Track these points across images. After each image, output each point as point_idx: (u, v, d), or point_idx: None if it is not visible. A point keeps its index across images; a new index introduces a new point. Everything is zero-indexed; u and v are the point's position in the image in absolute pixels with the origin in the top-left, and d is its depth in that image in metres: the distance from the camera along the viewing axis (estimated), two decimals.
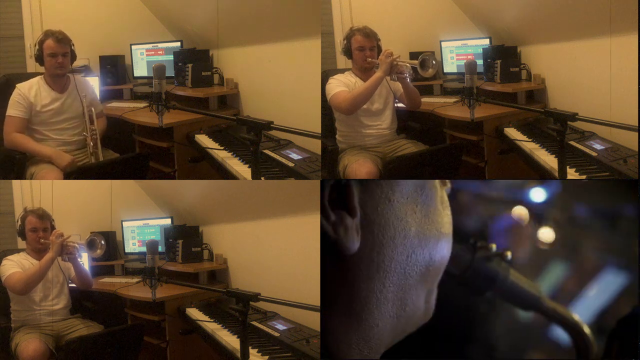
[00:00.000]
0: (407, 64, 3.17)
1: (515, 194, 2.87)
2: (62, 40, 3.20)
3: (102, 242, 3.26)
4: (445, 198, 1.01)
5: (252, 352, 2.96)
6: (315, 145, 3.32)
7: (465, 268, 1.12)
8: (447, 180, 1.03)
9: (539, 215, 2.84)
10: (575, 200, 2.87)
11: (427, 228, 0.95)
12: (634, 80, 3.01)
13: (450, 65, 4.03)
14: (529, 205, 2.83)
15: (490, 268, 1.14)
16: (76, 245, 3.21)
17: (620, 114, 3.09)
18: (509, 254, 1.15)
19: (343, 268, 0.92)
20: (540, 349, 2.80)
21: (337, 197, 0.91)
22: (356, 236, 0.90)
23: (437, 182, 0.99)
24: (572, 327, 1.24)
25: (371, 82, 3.17)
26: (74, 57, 3.25)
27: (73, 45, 3.24)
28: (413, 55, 3.75)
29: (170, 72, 3.77)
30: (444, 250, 0.98)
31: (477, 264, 1.13)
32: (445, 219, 0.98)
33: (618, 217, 2.80)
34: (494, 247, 1.15)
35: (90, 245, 3.23)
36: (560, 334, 2.73)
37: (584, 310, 2.77)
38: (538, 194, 2.85)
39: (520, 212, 2.82)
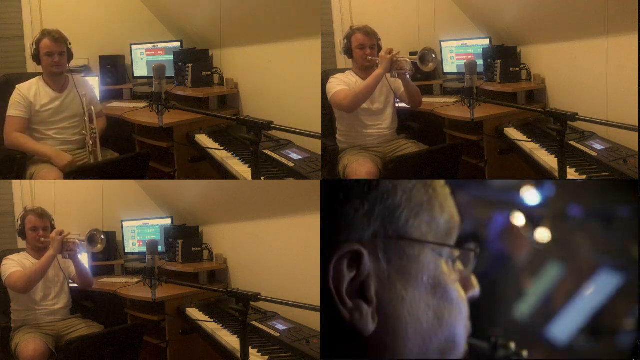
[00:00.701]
0: (407, 60, 3.17)
1: (512, 197, 2.87)
2: (59, 39, 3.20)
3: (102, 236, 3.26)
4: (463, 302, 1.08)
5: (252, 352, 2.96)
6: (315, 145, 3.32)
7: None
8: (475, 286, 1.11)
9: (537, 215, 2.84)
10: (575, 201, 2.87)
11: (438, 327, 1.04)
12: (633, 80, 3.01)
13: (450, 65, 4.03)
14: (526, 208, 2.83)
15: None
16: (76, 241, 3.21)
17: (619, 114, 3.09)
18: (525, 353, 1.27)
19: (359, 347, 1.02)
20: (537, 350, 2.81)
21: (355, 286, 1.01)
22: (371, 321, 1.00)
23: (459, 286, 1.07)
24: None
25: (372, 79, 3.17)
26: (70, 56, 3.25)
27: (70, 44, 3.24)
28: (413, 55, 3.76)
29: (170, 72, 3.77)
30: (456, 346, 1.06)
31: None
32: (460, 320, 1.07)
33: (617, 218, 2.81)
34: (512, 346, 1.26)
35: (91, 240, 3.22)
36: (557, 334, 2.74)
37: (580, 310, 2.78)
38: (533, 197, 2.85)
39: (518, 218, 2.82)
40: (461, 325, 1.07)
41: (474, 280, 1.12)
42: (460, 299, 1.07)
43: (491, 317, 2.81)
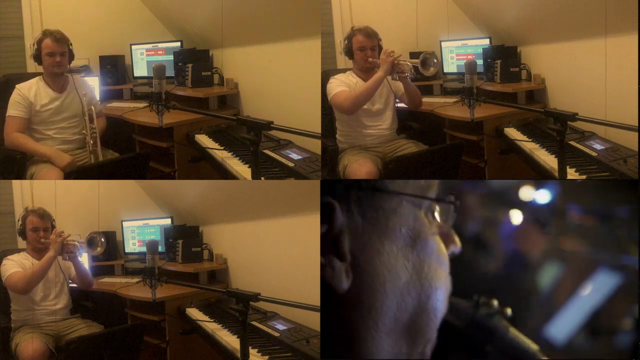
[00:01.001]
0: (409, 63, 3.17)
1: (519, 196, 2.87)
2: (60, 39, 3.21)
3: (102, 239, 3.27)
4: (444, 256, 1.04)
5: (252, 352, 2.96)
6: (315, 145, 3.32)
7: (467, 322, 1.20)
8: (456, 242, 1.07)
9: (538, 214, 2.84)
10: (574, 201, 2.87)
11: (417, 281, 1.00)
12: (633, 80, 3.01)
13: (450, 65, 4.02)
14: (533, 207, 2.83)
15: (491, 324, 1.21)
16: (76, 243, 3.21)
17: (618, 114, 3.09)
18: (508, 311, 1.23)
19: (337, 304, 0.99)
20: None
21: (327, 241, 0.98)
22: (345, 278, 0.97)
23: (438, 240, 1.04)
24: None
25: (372, 82, 3.17)
26: (71, 56, 3.26)
27: (71, 44, 3.25)
28: (413, 56, 3.75)
29: (170, 72, 3.77)
30: (437, 302, 1.02)
31: (479, 319, 1.21)
32: (441, 275, 1.03)
33: (616, 217, 2.81)
34: (495, 303, 1.22)
35: (90, 243, 3.23)
36: (554, 334, 2.74)
37: (578, 310, 2.78)
38: (543, 196, 2.85)
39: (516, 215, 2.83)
40: (442, 280, 1.03)
41: (455, 236, 1.08)
42: (440, 252, 1.03)
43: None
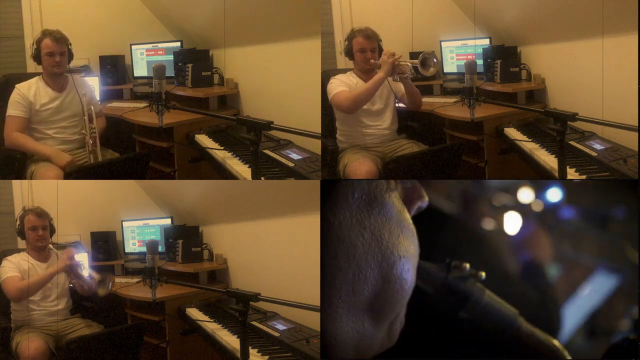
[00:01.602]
0: (409, 64, 3.17)
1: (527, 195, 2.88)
2: (60, 39, 3.21)
3: (111, 283, 3.25)
4: (407, 220, 0.94)
5: (252, 352, 2.96)
6: (315, 145, 3.32)
7: (438, 287, 1.09)
8: (424, 196, 0.97)
9: (535, 215, 2.84)
10: (574, 201, 2.87)
11: (377, 250, 0.90)
12: (632, 80, 3.01)
13: (450, 65, 4.02)
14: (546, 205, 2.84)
15: (464, 287, 1.11)
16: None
17: (617, 114, 3.09)
18: (482, 274, 1.12)
19: None
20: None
21: None
22: None
23: (398, 202, 0.94)
24: (552, 353, 1.18)
25: (373, 83, 3.17)
26: (71, 56, 3.26)
27: (70, 44, 3.25)
28: (413, 56, 3.75)
29: (170, 72, 3.77)
30: (401, 271, 0.92)
31: (451, 283, 1.09)
32: (404, 241, 0.92)
33: (615, 218, 2.81)
34: (467, 266, 1.11)
35: (102, 283, 3.21)
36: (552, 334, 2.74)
37: (577, 310, 2.78)
38: (555, 195, 2.86)
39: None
40: (405, 245, 0.92)
41: (421, 189, 0.97)
42: (401, 214, 0.93)
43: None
